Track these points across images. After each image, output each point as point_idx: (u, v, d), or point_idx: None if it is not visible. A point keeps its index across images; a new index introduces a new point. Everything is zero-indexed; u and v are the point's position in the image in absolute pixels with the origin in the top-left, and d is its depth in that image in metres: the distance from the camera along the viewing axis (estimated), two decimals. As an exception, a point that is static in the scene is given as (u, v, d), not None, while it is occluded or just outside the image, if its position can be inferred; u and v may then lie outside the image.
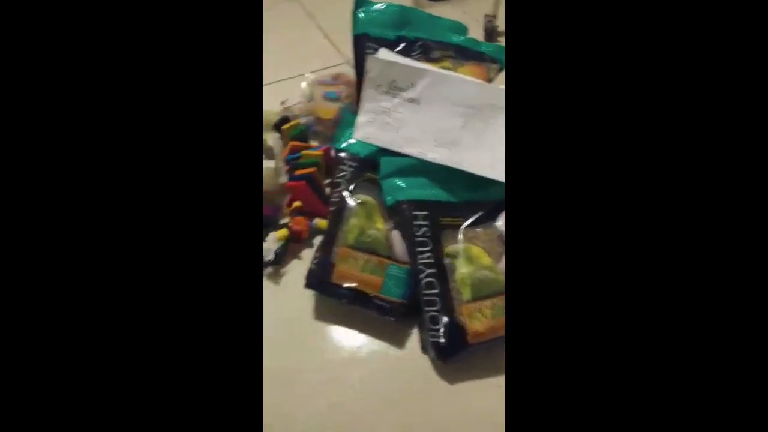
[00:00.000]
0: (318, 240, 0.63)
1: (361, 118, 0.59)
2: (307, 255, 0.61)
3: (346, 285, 0.50)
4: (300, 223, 0.60)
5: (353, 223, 0.52)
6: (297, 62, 0.96)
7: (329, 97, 0.72)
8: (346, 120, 0.62)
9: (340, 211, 0.54)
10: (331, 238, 0.52)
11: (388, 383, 0.49)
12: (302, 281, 0.57)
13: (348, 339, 0.53)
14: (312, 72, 0.85)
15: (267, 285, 0.58)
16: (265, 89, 0.93)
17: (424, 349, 0.51)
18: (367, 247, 0.51)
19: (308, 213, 0.63)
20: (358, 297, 0.50)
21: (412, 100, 0.56)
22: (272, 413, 0.47)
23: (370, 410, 0.47)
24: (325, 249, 0.52)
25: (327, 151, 0.66)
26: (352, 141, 0.60)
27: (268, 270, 0.59)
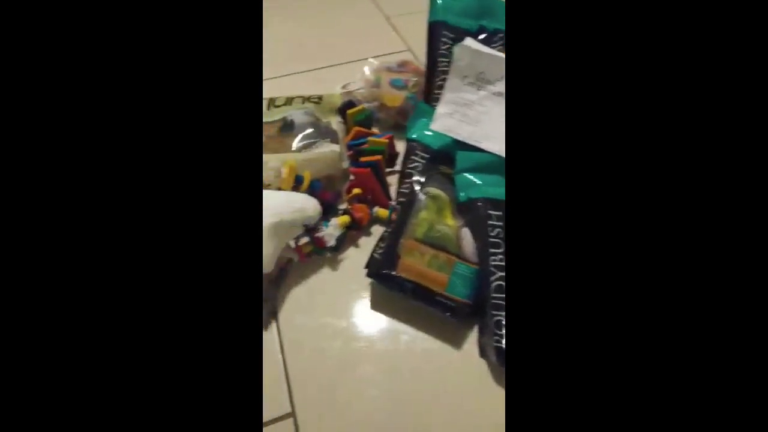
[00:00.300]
0: (376, 229, 0.62)
1: (441, 109, 0.57)
2: (365, 243, 0.60)
3: (409, 278, 0.48)
4: (361, 211, 0.59)
5: (423, 216, 0.50)
6: (357, 46, 0.94)
7: (395, 85, 0.70)
8: (420, 109, 0.59)
9: (410, 203, 0.52)
10: (398, 229, 0.51)
11: (442, 380, 0.48)
12: (359, 269, 0.56)
13: (403, 332, 0.51)
14: (374, 57, 0.83)
15: (325, 271, 0.57)
16: (324, 72, 0.93)
17: (483, 353, 0.49)
18: (435, 243, 0.49)
19: (367, 201, 0.62)
20: (421, 292, 0.48)
21: (500, 94, 0.53)
22: (324, 398, 0.47)
23: (420, 403, 0.46)
24: (392, 240, 0.51)
25: (391, 140, 0.65)
26: (427, 132, 0.57)
27: (326, 256, 0.58)
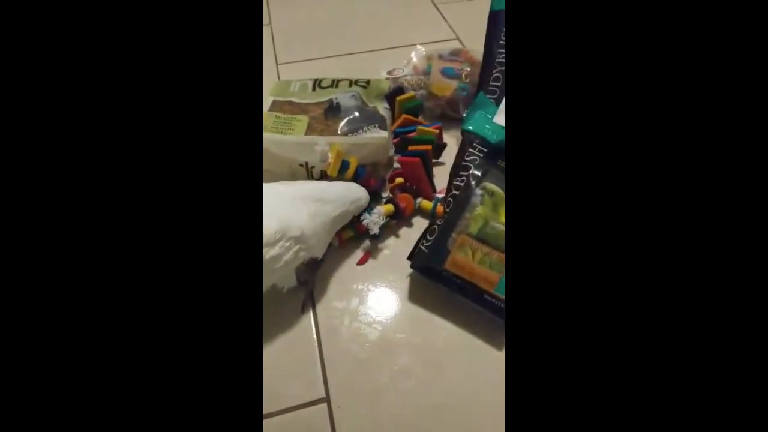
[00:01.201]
0: (418, 221, 0.61)
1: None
2: (405, 234, 0.59)
3: (458, 274, 0.47)
4: (406, 201, 0.57)
5: (479, 212, 0.48)
6: (403, 32, 0.92)
7: (447, 74, 0.68)
8: (479, 101, 0.57)
9: (465, 197, 0.50)
10: (450, 223, 0.49)
11: (482, 379, 0.46)
12: (399, 259, 0.55)
13: (442, 327, 0.50)
14: (421, 44, 0.81)
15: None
16: (368, 56, 0.91)
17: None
18: (489, 240, 0.47)
19: (409, 190, 0.60)
20: (469, 290, 0.47)
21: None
22: (358, 386, 0.46)
23: (458, 401, 0.45)
24: (442, 234, 0.49)
25: (440, 130, 0.63)
26: (486, 125, 0.55)
27: (365, 245, 0.57)
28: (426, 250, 0.49)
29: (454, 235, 0.48)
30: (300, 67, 0.84)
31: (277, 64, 0.85)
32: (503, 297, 0.46)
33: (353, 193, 0.53)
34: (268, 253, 0.42)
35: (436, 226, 0.50)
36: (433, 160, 0.64)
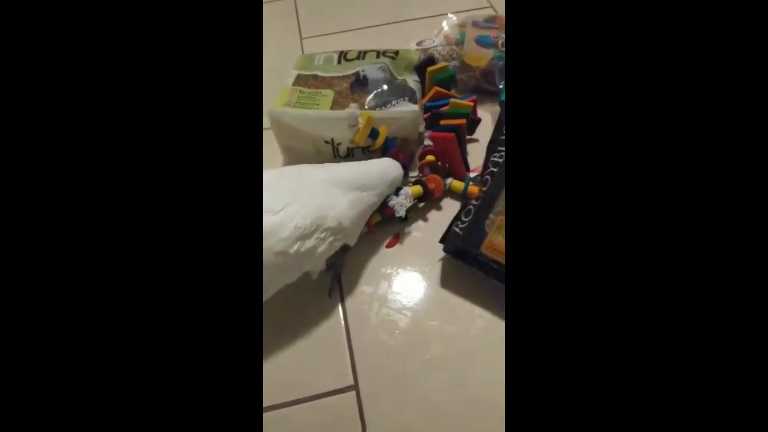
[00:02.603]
0: (448, 203, 0.57)
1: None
2: (434, 216, 0.55)
3: (496, 259, 0.43)
4: (435, 181, 0.53)
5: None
6: (433, 0, 0.86)
7: (482, 42, 0.62)
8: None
9: (503, 174, 0.46)
10: (488, 202, 0.45)
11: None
12: (429, 243, 0.51)
13: (478, 315, 0.46)
14: (454, 12, 0.75)
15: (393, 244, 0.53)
16: (396, 27, 0.86)
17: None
18: (530, 222, 0.43)
19: (440, 170, 0.56)
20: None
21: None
22: (388, 374, 0.44)
23: (493, 395, 0.42)
24: (479, 214, 0.45)
25: (475, 104, 0.58)
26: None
27: (394, 227, 0.54)
28: (460, 232, 0.45)
29: (492, 215, 0.44)
30: (325, 41, 0.80)
31: (301, 38, 0.82)
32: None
33: (390, 172, 0.50)
34: (303, 245, 0.40)
35: (471, 207, 0.47)
36: (467, 137, 0.59)
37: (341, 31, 0.82)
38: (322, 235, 0.41)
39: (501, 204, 0.44)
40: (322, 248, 0.41)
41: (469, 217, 0.46)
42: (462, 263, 0.46)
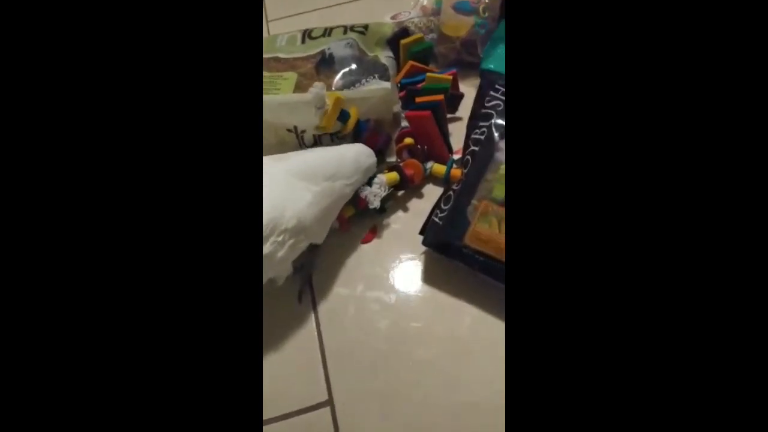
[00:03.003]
0: (430, 189, 0.51)
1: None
2: (415, 205, 0.50)
3: (480, 249, 0.38)
4: (413, 167, 0.48)
5: (504, 171, 0.39)
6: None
7: (461, 9, 0.56)
8: (500, 34, 0.46)
9: (487, 154, 0.40)
10: (469, 187, 0.40)
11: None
12: (410, 235, 0.46)
13: (466, 312, 0.41)
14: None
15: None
16: (372, 1, 0.79)
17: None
18: (518, 206, 0.38)
19: (419, 153, 0.51)
20: (495, 268, 0.38)
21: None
22: (370, 385, 0.38)
23: (491, 397, 0.37)
24: (460, 200, 0.40)
25: (455, 77, 0.52)
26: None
27: (370, 221, 0.49)
28: (440, 222, 0.40)
29: (474, 201, 0.39)
30: (294, 22, 0.74)
31: (267, 20, 0.76)
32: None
33: (366, 159, 0.44)
34: None
35: (451, 193, 0.41)
36: (448, 115, 0.54)
37: (312, 10, 0.75)
38: (280, 238, 0.36)
39: (484, 187, 0.39)
40: (281, 253, 0.36)
41: (449, 205, 0.40)
42: (445, 257, 0.40)
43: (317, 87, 0.46)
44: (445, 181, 0.49)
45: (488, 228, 0.38)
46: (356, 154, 0.44)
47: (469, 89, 0.57)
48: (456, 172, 0.47)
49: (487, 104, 0.42)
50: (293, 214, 0.37)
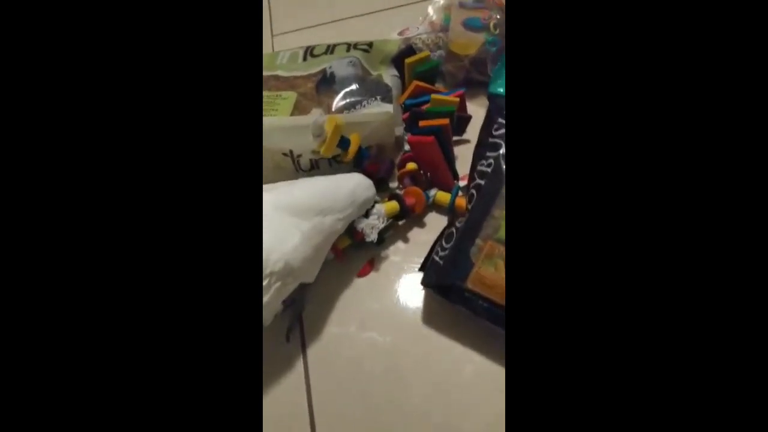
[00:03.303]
0: (433, 218, 0.48)
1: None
2: (416, 236, 0.46)
3: (485, 295, 0.34)
4: (415, 195, 0.45)
5: (511, 208, 0.35)
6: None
7: (471, 26, 0.53)
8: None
9: (494, 188, 0.36)
10: (474, 225, 0.36)
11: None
12: (410, 270, 0.43)
13: (469, 360, 0.38)
14: (441, -5, 0.66)
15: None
16: (378, 15, 0.77)
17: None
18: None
19: (421, 181, 0.48)
20: (500, 315, 0.34)
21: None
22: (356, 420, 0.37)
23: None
24: (463, 239, 0.36)
25: (462, 98, 0.49)
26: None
27: (367, 252, 0.45)
28: (441, 262, 0.36)
29: (479, 241, 0.35)
30: (300, 37, 0.72)
31: (272, 35, 0.74)
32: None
33: (363, 193, 0.40)
34: None
35: (454, 230, 0.37)
36: (454, 138, 0.50)
37: (318, 24, 0.73)
38: (265, 282, 0.33)
39: (490, 226, 0.35)
40: (267, 298, 0.33)
41: (451, 243, 0.37)
42: (446, 300, 0.37)
43: (316, 113, 0.44)
44: (449, 211, 0.46)
45: (494, 271, 0.34)
46: (354, 186, 0.40)
47: (478, 109, 0.54)
48: (461, 201, 0.44)
49: (495, 132, 0.38)
50: (280, 256, 0.34)
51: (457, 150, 0.50)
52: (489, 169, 0.37)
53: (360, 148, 0.45)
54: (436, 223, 0.47)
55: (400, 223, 0.46)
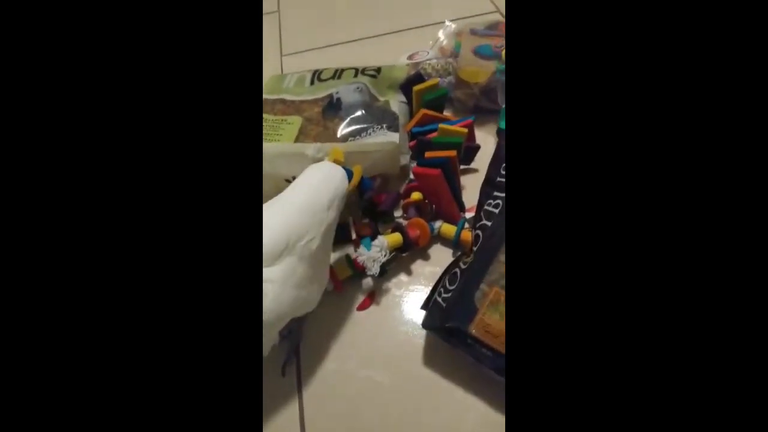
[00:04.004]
0: (437, 251, 0.47)
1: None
2: (419, 268, 0.45)
3: (489, 344, 0.32)
4: (419, 227, 0.43)
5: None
6: (431, 6, 0.77)
7: (482, 53, 0.52)
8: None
9: (499, 230, 0.35)
10: (478, 268, 0.34)
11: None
12: (412, 306, 0.42)
13: (471, 406, 0.36)
14: (452, 21, 0.65)
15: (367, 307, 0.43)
16: (389, 38, 0.77)
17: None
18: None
19: (426, 212, 0.46)
20: (504, 365, 0.33)
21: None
22: None
23: None
24: (467, 282, 0.35)
25: (470, 128, 0.48)
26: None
27: (368, 284, 0.44)
28: (444, 304, 0.35)
29: (483, 286, 0.33)
30: (309, 57, 0.72)
31: (281, 55, 0.74)
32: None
33: (337, 187, 0.36)
34: None
35: (458, 270, 0.36)
36: (462, 167, 0.49)
37: (328, 45, 0.73)
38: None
39: (496, 270, 0.33)
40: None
41: (455, 286, 0.35)
42: (447, 344, 0.35)
43: (312, 151, 0.43)
44: (454, 244, 0.44)
45: (498, 319, 0.32)
46: (313, 194, 0.36)
47: (486, 137, 0.53)
48: (467, 234, 0.43)
49: (503, 171, 0.37)
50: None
51: (464, 179, 0.49)
52: (496, 210, 0.35)
53: (363, 179, 0.44)
54: (440, 255, 0.45)
55: (404, 255, 0.45)
